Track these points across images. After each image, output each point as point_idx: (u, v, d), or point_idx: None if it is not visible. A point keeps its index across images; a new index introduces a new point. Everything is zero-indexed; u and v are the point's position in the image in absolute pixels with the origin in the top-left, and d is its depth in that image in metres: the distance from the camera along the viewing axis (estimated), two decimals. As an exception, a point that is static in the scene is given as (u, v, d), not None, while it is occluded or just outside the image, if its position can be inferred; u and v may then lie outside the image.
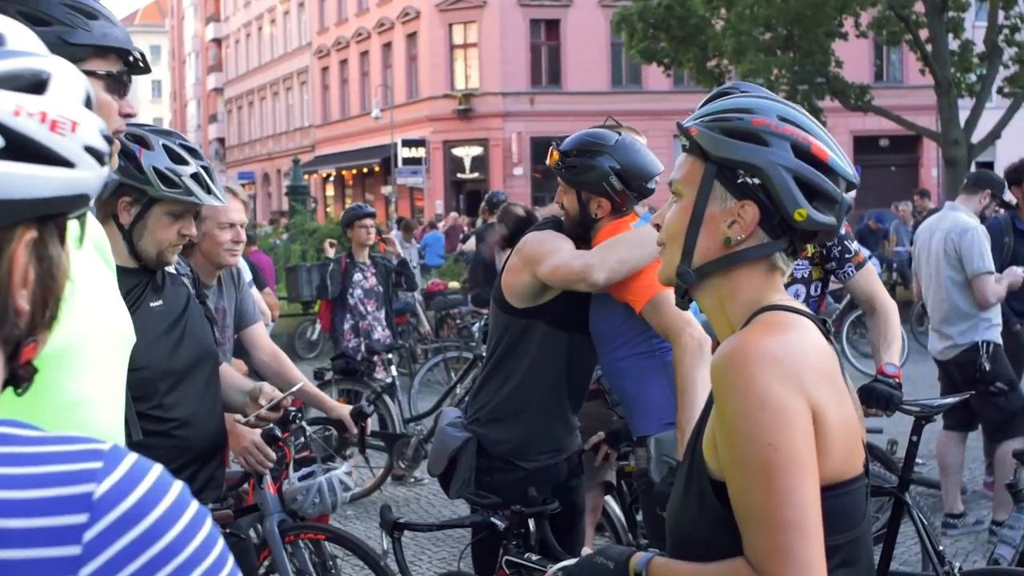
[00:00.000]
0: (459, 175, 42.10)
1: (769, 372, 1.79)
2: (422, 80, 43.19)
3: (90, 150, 1.10)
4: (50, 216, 1.10)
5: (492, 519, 3.64)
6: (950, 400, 5.24)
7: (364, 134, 45.84)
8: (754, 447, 1.78)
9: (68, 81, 1.10)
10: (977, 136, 22.87)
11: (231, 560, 1.07)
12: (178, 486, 1.06)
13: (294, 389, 4.25)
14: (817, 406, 1.81)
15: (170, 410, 3.26)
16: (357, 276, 8.89)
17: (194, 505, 1.05)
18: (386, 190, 42.31)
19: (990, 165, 28.74)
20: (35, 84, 1.06)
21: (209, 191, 3.31)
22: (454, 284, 16.90)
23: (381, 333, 8.91)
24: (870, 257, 5.29)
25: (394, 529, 3.69)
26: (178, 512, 1.04)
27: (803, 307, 1.98)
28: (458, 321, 13.85)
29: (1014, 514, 4.65)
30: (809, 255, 4.54)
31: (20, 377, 1.14)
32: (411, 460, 8.44)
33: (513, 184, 37.88)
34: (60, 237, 1.14)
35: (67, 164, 1.08)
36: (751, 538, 1.80)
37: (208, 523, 1.06)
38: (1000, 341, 6.89)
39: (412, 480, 8.71)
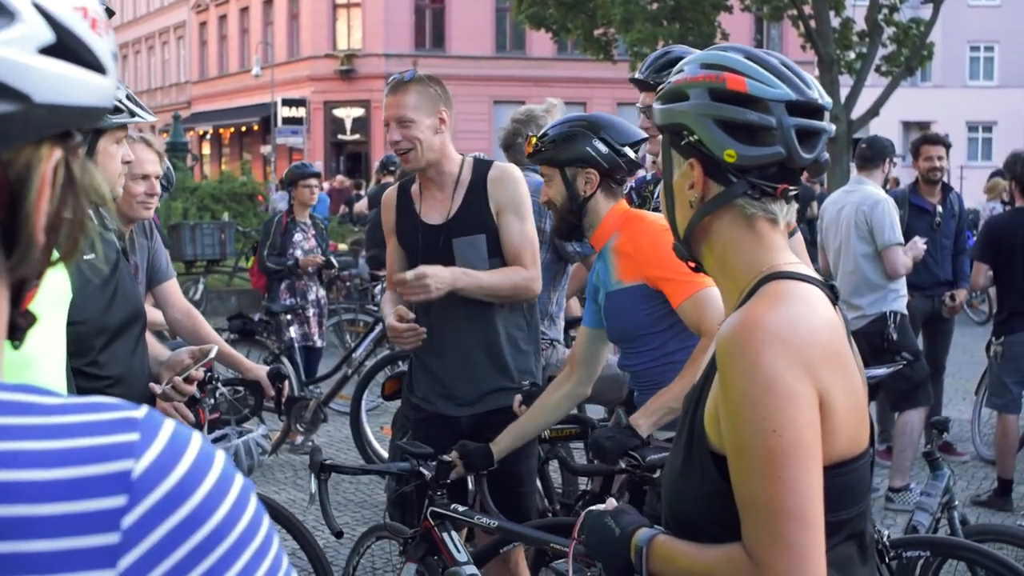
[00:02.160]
0: (340, 136, 41.63)
1: (776, 354, 1.74)
2: (303, 39, 42.53)
3: (113, 57, 0.97)
4: (69, 135, 0.96)
5: (420, 468, 3.66)
6: (881, 371, 5.28)
7: (243, 92, 44.99)
8: (757, 432, 1.74)
9: None
10: (856, 113, 23.34)
11: (277, 538, 0.95)
12: (221, 457, 0.92)
13: (210, 356, 4.08)
14: (824, 388, 1.77)
15: (104, 367, 3.14)
16: (298, 236, 8.72)
17: (239, 479, 0.92)
18: (265, 150, 41.60)
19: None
20: None
21: (143, 107, 3.23)
22: (342, 246, 16.71)
23: (316, 292, 8.75)
24: None
25: (321, 471, 3.69)
26: (224, 488, 0.90)
27: (809, 271, 1.93)
28: (348, 284, 13.69)
29: (931, 482, 4.73)
30: None
31: (18, 327, 0.99)
32: (309, 423, 8.31)
33: (394, 147, 37.64)
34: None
35: (102, 70, 0.95)
36: (749, 524, 1.76)
37: (253, 498, 0.93)
38: (905, 312, 7.03)
39: (310, 444, 8.58)
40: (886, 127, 28.09)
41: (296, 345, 8.66)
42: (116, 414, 0.89)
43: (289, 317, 8.72)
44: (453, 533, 3.68)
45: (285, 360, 8.42)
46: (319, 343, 8.89)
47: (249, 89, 44.06)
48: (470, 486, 3.70)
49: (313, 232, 8.82)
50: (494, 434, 4.07)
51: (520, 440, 3.76)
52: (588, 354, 3.76)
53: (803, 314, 1.80)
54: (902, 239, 7.04)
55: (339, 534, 3.68)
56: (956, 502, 4.72)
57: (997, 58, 47.52)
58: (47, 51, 0.89)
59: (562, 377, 3.74)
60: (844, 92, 23.32)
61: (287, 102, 40.15)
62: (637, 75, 4.34)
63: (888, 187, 7.95)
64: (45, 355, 2.23)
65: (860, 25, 24.46)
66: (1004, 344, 7.07)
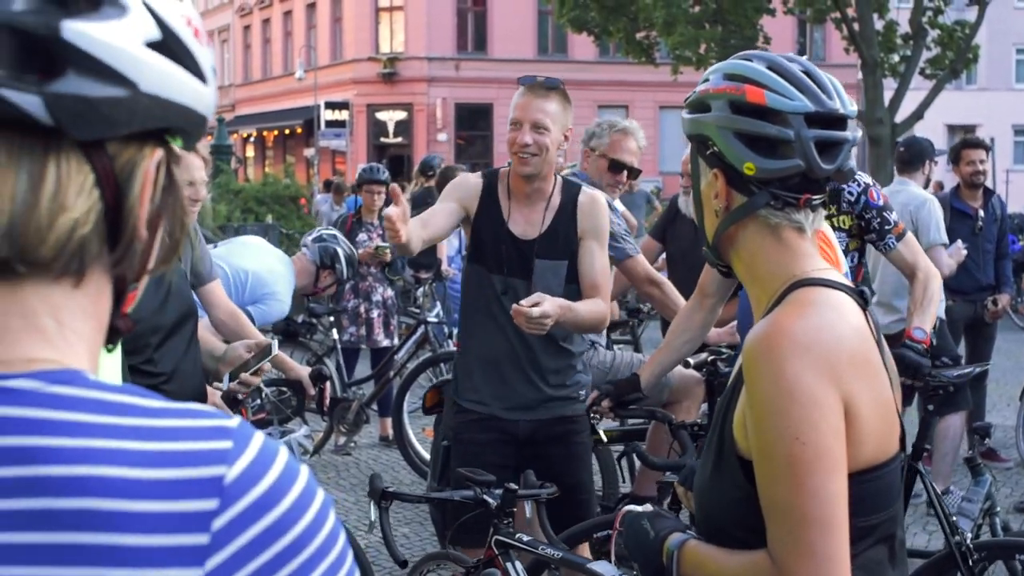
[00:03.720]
0: (382, 139, 41.79)
1: (800, 362, 1.76)
2: (346, 42, 42.73)
3: (212, 71, 1.03)
4: (169, 140, 1.02)
5: (484, 496, 3.57)
6: (968, 370, 5.26)
7: (286, 95, 45.27)
8: (781, 440, 1.76)
9: None
10: (899, 116, 23.19)
11: (351, 553, 1.00)
12: (305, 471, 0.98)
13: (274, 352, 4.14)
14: (849, 396, 1.78)
15: (158, 364, 3.21)
16: (362, 236, 8.76)
17: (320, 493, 0.98)
18: (308, 152, 41.88)
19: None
20: None
21: None
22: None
23: (382, 294, 8.78)
24: None
25: (382, 498, 3.60)
26: (308, 501, 0.96)
27: (839, 277, 1.94)
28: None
29: (973, 487, 4.72)
30: (847, 227, 4.46)
31: (117, 330, 1.04)
32: (352, 425, 8.37)
33: (436, 150, 37.66)
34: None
35: (202, 78, 1.01)
36: (774, 530, 1.79)
37: (332, 513, 0.98)
38: (944, 316, 7.00)
39: (352, 445, 8.64)
40: (931, 130, 27.86)
41: (339, 347, 8.72)
42: (211, 422, 0.95)
43: (332, 319, 8.78)
44: (517, 563, 3.63)
45: (328, 361, 8.49)
46: (384, 343, 8.83)
47: (292, 92, 44.33)
48: (528, 513, 3.63)
49: (380, 232, 8.85)
50: (552, 443, 4.14)
51: (662, 370, 4.13)
52: (718, 284, 4.07)
53: (830, 321, 1.82)
54: (947, 239, 7.03)
55: (403, 563, 3.62)
56: (998, 508, 4.72)
57: (1044, 61, 47.05)
58: (152, 46, 0.95)
59: (693, 306, 3.99)
60: (888, 95, 23.17)
61: (330, 105, 40.41)
62: None
63: (931, 190, 7.93)
64: (104, 352, 2.30)
65: (904, 28, 24.28)
66: None
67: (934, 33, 24.40)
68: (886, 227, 4.51)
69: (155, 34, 0.96)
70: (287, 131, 45.88)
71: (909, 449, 4.84)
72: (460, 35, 41.30)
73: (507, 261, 4.09)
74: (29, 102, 0.90)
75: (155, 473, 0.90)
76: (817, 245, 1.98)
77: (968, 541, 4.24)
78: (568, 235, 4.13)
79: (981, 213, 7.85)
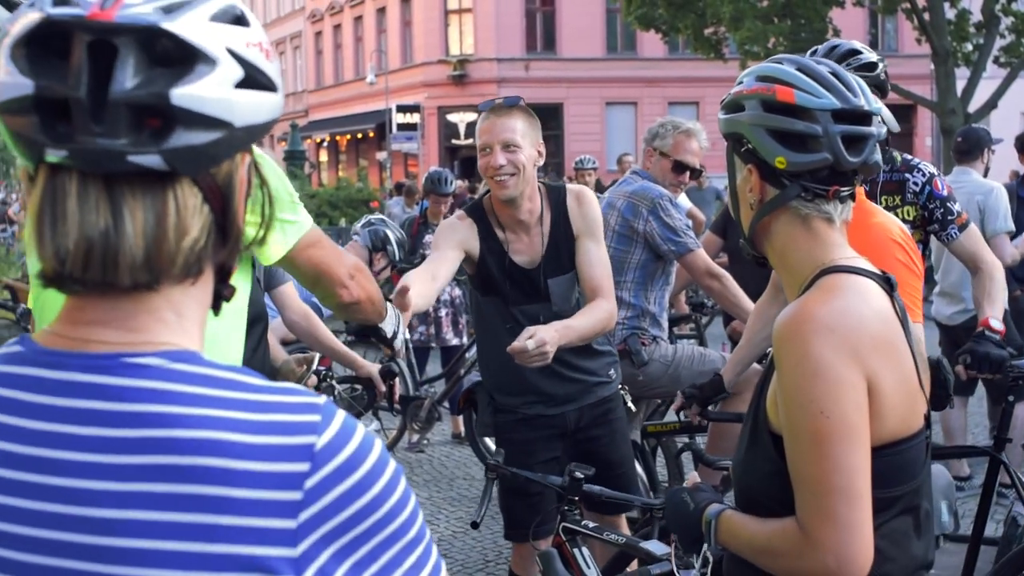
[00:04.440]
0: (454, 141, 42.02)
1: (824, 342, 1.89)
2: (417, 45, 43.05)
3: (280, 75, 1.22)
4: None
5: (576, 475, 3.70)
6: None
7: (358, 99, 45.72)
8: (807, 415, 1.89)
9: (248, 11, 1.21)
10: (973, 106, 22.95)
11: (421, 514, 1.19)
12: (379, 444, 1.17)
13: (313, 365, 4.37)
14: (871, 374, 1.91)
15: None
16: (428, 237, 8.97)
17: (393, 462, 1.17)
18: (381, 156, 42.25)
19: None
20: (240, 18, 1.18)
21: None
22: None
23: (449, 293, 8.93)
24: None
25: (488, 470, 3.79)
26: (383, 466, 1.16)
27: (866, 264, 2.07)
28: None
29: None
30: (912, 218, 4.46)
31: (222, 297, 1.26)
32: (424, 422, 8.54)
33: (507, 150, 37.88)
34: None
35: (275, 89, 1.19)
36: (801, 499, 1.92)
37: (403, 479, 1.18)
38: (1007, 306, 7.00)
39: (425, 442, 8.82)
40: (1006, 120, 27.54)
41: (411, 346, 8.89)
42: (303, 398, 1.15)
43: (403, 319, 8.96)
44: (584, 549, 3.74)
45: (400, 360, 8.67)
46: (453, 341, 8.98)
47: (364, 96, 44.76)
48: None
49: None
50: (594, 426, 4.26)
51: (744, 367, 4.15)
52: None
53: (854, 305, 1.95)
54: (1013, 228, 7.03)
55: (474, 524, 3.73)
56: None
57: (1124, 45, 46.10)
58: (240, 85, 1.15)
59: (769, 300, 4.00)
60: (961, 85, 22.94)
61: (401, 108, 40.74)
62: None
63: (1008, 178, 7.92)
64: (225, 335, 2.55)
65: (976, 16, 24.00)
66: None
67: (1008, 20, 24.08)
68: (949, 217, 4.50)
69: (240, 74, 1.15)
70: (359, 135, 46.34)
71: (986, 438, 4.83)
72: (529, 35, 41.41)
73: (513, 293, 4.13)
74: (151, 161, 1.10)
75: (259, 439, 1.11)
76: (846, 235, 2.11)
77: None
78: (569, 245, 4.14)
79: (1048, 202, 7.83)
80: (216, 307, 1.26)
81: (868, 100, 2.07)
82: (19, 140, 1.11)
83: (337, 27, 50.09)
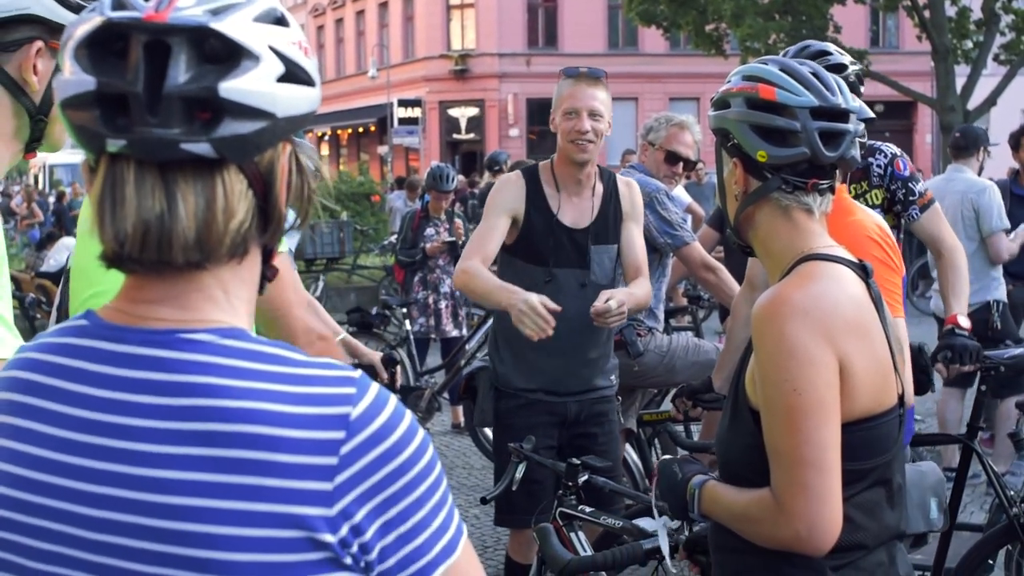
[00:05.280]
0: (455, 136, 42.12)
1: (799, 324, 2.03)
2: (418, 40, 43.10)
3: (318, 71, 1.34)
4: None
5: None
6: (1019, 351, 5.38)
7: (360, 93, 45.77)
8: (781, 392, 2.02)
9: (288, 14, 1.33)
10: (973, 103, 23.03)
11: (446, 480, 1.31)
12: (409, 415, 1.28)
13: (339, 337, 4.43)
14: (844, 355, 2.04)
15: None
16: (430, 230, 9.09)
17: (422, 432, 1.28)
18: (382, 150, 42.32)
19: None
20: (280, 18, 1.30)
21: None
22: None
23: (449, 285, 9.06)
24: None
25: (512, 455, 3.87)
26: (412, 435, 1.27)
27: (843, 252, 2.20)
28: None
29: (1016, 462, 4.86)
30: (880, 202, 4.50)
31: (266, 278, 1.38)
32: (424, 412, 8.65)
33: (508, 146, 37.91)
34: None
35: (312, 84, 1.31)
36: (775, 471, 2.06)
37: (431, 447, 1.29)
38: (1006, 300, 7.11)
39: (426, 431, 8.91)
40: (1006, 117, 27.58)
41: (411, 337, 9.00)
42: (341, 372, 1.27)
43: (404, 310, 9.08)
44: (580, 533, 3.83)
45: (401, 352, 8.78)
46: (453, 333, 9.14)
47: (366, 91, 44.81)
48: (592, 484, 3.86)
49: (447, 227, 9.14)
50: (593, 422, 4.34)
51: (731, 368, 4.12)
52: (764, 275, 4.19)
53: (829, 290, 2.09)
54: (1008, 225, 7.13)
55: (484, 500, 3.91)
56: (1043, 482, 4.86)
57: (1124, 44, 46.13)
58: (281, 79, 1.26)
59: (745, 299, 4.05)
60: (960, 82, 23.02)
61: (403, 103, 40.79)
62: None
63: (1006, 175, 8.03)
64: None
65: (977, 14, 24.07)
66: None
67: (1008, 18, 24.13)
68: (911, 197, 4.51)
69: (281, 69, 1.27)
70: (361, 129, 46.36)
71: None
72: (531, 31, 41.45)
73: (556, 252, 4.25)
74: (202, 149, 1.22)
75: (299, 409, 1.22)
76: (825, 226, 2.23)
77: None
78: (616, 220, 4.35)
79: (1042, 198, 7.93)
80: (261, 287, 1.37)
81: (846, 98, 2.20)
82: (82, 133, 1.24)
83: (339, 21, 50.15)
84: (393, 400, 1.27)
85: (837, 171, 2.23)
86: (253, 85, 1.23)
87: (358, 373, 1.27)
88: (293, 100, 1.27)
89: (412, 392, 8.57)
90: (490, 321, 9.08)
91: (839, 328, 2.05)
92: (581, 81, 4.29)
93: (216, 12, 1.23)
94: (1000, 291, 7.09)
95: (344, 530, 1.21)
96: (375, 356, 4.84)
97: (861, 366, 2.06)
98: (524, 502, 4.07)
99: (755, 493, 2.11)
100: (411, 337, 9.05)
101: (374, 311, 9.27)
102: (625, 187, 4.43)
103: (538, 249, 4.28)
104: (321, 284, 16.06)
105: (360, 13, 47.97)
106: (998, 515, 4.76)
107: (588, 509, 3.78)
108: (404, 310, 9.13)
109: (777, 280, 2.21)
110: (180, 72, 1.20)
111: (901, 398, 2.19)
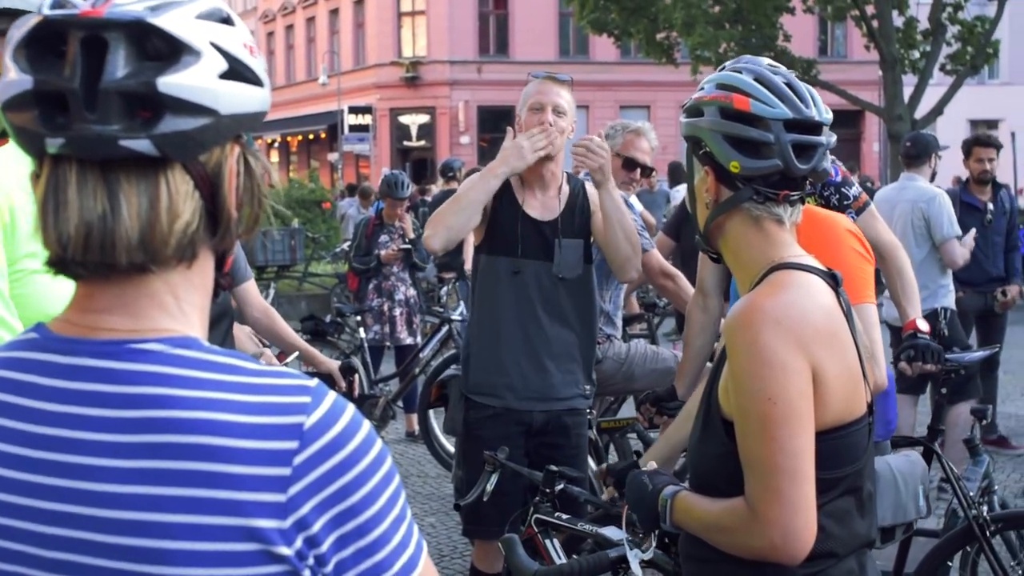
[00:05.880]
0: (405, 143, 42.01)
1: (772, 333, 2.02)
2: (369, 47, 42.98)
3: (265, 72, 1.31)
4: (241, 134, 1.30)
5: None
6: (980, 354, 5.40)
7: (310, 100, 45.58)
8: (755, 400, 2.02)
9: (235, 15, 1.30)
10: (920, 112, 23.27)
11: (404, 493, 1.27)
12: (367, 424, 1.25)
13: (292, 357, 4.42)
14: (816, 363, 2.03)
15: None
16: (384, 237, 9.05)
17: (380, 442, 1.25)
18: (332, 157, 42.16)
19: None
20: (226, 19, 1.27)
21: None
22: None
23: (404, 292, 9.02)
24: None
25: (485, 463, 3.83)
26: (369, 446, 1.23)
27: (813, 262, 2.19)
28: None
29: (970, 467, 4.90)
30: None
31: (220, 286, 1.35)
32: (379, 420, 8.61)
33: (459, 153, 37.86)
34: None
35: (260, 84, 1.28)
36: (749, 480, 2.04)
37: (389, 458, 1.26)
38: (954, 307, 7.18)
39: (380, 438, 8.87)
40: (952, 125, 27.94)
41: (366, 345, 8.96)
42: (295, 381, 1.24)
43: (358, 318, 9.04)
44: (555, 540, 3.80)
45: (355, 360, 8.73)
46: (407, 340, 9.11)
47: (316, 97, 44.63)
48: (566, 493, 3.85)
49: (400, 234, 9.12)
50: (560, 434, 4.33)
51: (693, 377, 4.13)
52: (715, 281, 4.19)
53: (799, 298, 2.08)
54: (959, 232, 7.20)
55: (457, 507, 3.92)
56: (995, 487, 4.90)
57: (1067, 54, 46.86)
58: (224, 76, 1.23)
59: (698, 306, 4.12)
60: (908, 91, 23.26)
61: (353, 110, 40.69)
62: None
63: (951, 183, 8.11)
64: None
65: (924, 24, 24.34)
66: None
67: (954, 29, 24.42)
68: (845, 202, 4.46)
69: (224, 66, 1.24)
70: (311, 136, 46.18)
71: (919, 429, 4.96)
72: (482, 38, 41.47)
73: (523, 242, 4.30)
74: (142, 145, 1.19)
75: (252, 419, 1.19)
76: (795, 235, 2.23)
77: (986, 514, 4.47)
78: (583, 215, 4.39)
79: (990, 206, 8.03)
80: (215, 295, 1.34)
81: (819, 110, 2.19)
82: (22, 134, 1.21)
83: (289, 28, 49.91)
84: (350, 409, 1.24)
85: (808, 182, 2.22)
86: (194, 80, 1.20)
87: (314, 382, 1.24)
88: (237, 97, 1.24)
89: (367, 400, 8.52)
90: (444, 328, 9.11)
91: (811, 336, 2.04)
92: (548, 81, 4.40)
93: (155, 8, 1.21)
94: (949, 299, 7.16)
95: (299, 542, 1.18)
96: (333, 365, 4.82)
97: (832, 374, 2.06)
98: (493, 513, 4.04)
99: (728, 502, 2.10)
100: (365, 345, 9.00)
101: (328, 319, 9.21)
102: (593, 189, 4.45)
103: (505, 240, 4.33)
104: (272, 292, 15.95)
105: (311, 20, 47.78)
106: (953, 519, 4.80)
107: (564, 516, 3.76)
108: (358, 318, 9.09)
109: (748, 290, 2.20)
110: (118, 67, 1.17)
111: (870, 407, 2.19)
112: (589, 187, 4.45)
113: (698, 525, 2.20)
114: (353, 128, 40.46)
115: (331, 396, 1.23)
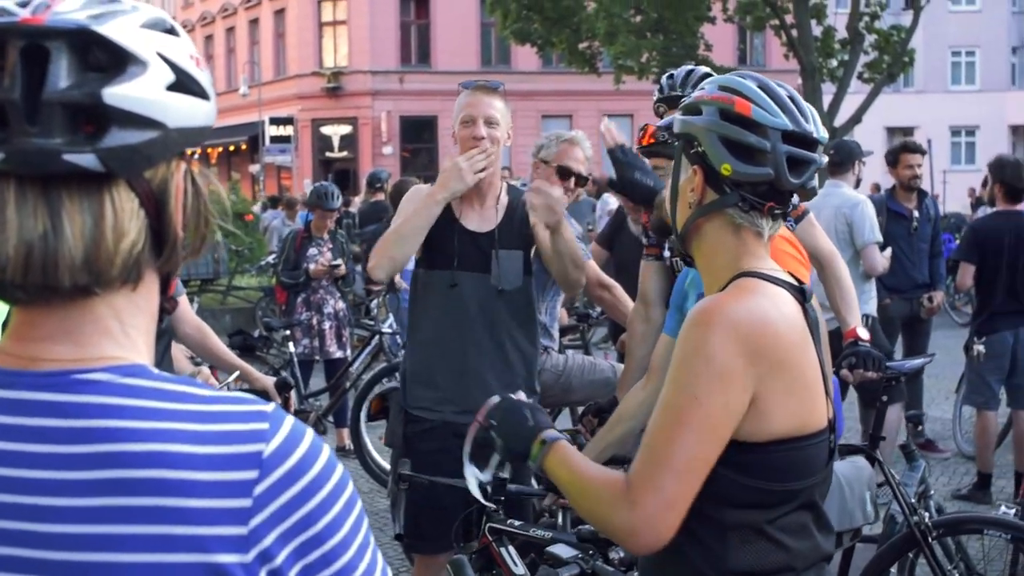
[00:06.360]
0: (328, 154, 41.77)
1: (724, 336, 2.00)
2: (290, 57, 42.70)
3: (211, 85, 1.25)
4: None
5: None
6: (918, 362, 5.44)
7: (230, 111, 45.14)
8: (681, 393, 2.01)
9: (179, 26, 1.24)
10: (839, 120, 23.60)
11: (366, 518, 1.22)
12: (327, 449, 1.20)
13: (232, 377, 4.35)
14: (764, 375, 2.01)
15: None
16: (312, 251, 8.91)
17: (340, 467, 1.20)
18: (254, 168, 41.79)
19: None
20: (171, 29, 1.21)
21: None
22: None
23: (333, 306, 8.92)
24: None
25: (400, 480, 3.81)
26: (330, 471, 1.18)
27: (782, 275, 2.18)
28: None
29: (907, 472, 4.94)
30: None
31: (165, 311, 1.28)
32: (309, 435, 8.50)
33: (382, 163, 37.76)
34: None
35: (207, 97, 1.22)
36: (641, 461, 2.03)
37: (351, 483, 1.21)
38: (876, 314, 7.25)
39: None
40: (870, 133, 28.38)
41: (295, 359, 8.86)
42: (251, 407, 1.17)
43: (287, 332, 8.93)
44: (510, 548, 3.74)
45: (284, 374, 8.63)
46: (337, 354, 9.00)
47: (236, 108, 44.22)
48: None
49: (330, 246, 9.01)
50: None
51: (602, 454, 3.69)
52: (657, 291, 4.14)
53: (761, 307, 2.06)
54: (881, 239, 7.28)
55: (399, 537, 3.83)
56: (932, 492, 4.95)
57: (978, 63, 47.89)
58: (171, 88, 1.17)
59: (640, 385, 3.74)
60: (827, 100, 23.58)
61: (275, 121, 40.39)
62: (669, 92, 4.58)
63: (869, 191, 8.20)
64: None
65: (842, 33, 24.71)
66: (987, 343, 7.28)
67: (871, 38, 24.83)
68: None
69: (171, 78, 1.17)
70: (232, 147, 45.72)
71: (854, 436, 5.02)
72: (404, 48, 41.38)
73: (460, 255, 4.26)
74: (86, 160, 1.12)
75: (208, 449, 1.13)
76: (770, 250, 2.22)
77: (928, 520, 4.51)
78: (522, 227, 4.30)
79: (916, 214, 8.14)
80: (160, 318, 1.28)
81: (818, 128, 2.17)
82: None
83: (209, 38, 49.43)
84: (309, 434, 1.19)
85: (794, 198, 2.19)
86: (141, 92, 1.14)
87: (271, 407, 1.18)
88: (185, 110, 1.18)
89: (298, 415, 8.39)
90: (375, 340, 9.04)
91: (764, 347, 2.02)
92: (478, 91, 4.34)
93: (98, 16, 1.14)
94: (871, 305, 7.22)
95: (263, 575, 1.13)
96: (268, 381, 4.74)
97: (782, 386, 2.04)
98: (432, 528, 3.99)
99: (609, 474, 2.09)
100: (295, 359, 8.89)
101: (256, 333, 9.09)
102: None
103: (442, 254, 4.28)
104: (196, 306, 15.74)
105: (230, 30, 47.38)
106: (891, 526, 4.84)
107: (517, 523, 3.73)
108: (287, 332, 8.97)
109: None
110: (60, 78, 1.10)
111: (832, 423, 2.18)
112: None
113: (568, 480, 2.15)
114: (274, 139, 40.15)
115: (289, 420, 1.17)
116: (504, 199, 4.40)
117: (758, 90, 2.17)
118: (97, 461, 1.11)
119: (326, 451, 1.19)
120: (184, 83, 1.18)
